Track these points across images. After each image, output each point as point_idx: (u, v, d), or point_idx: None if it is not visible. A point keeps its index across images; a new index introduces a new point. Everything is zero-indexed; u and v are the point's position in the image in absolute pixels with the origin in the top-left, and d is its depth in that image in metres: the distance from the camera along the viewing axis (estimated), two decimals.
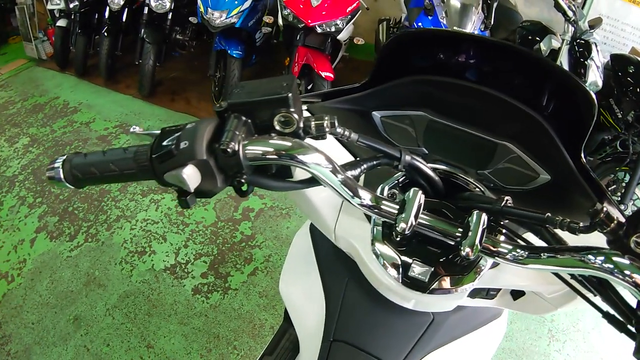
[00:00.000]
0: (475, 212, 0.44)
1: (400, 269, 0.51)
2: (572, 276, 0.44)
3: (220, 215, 2.24)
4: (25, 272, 1.97)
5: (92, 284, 1.91)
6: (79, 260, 2.02)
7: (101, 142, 2.77)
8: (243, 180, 0.43)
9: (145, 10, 2.91)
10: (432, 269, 0.50)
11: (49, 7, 3.23)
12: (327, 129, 0.44)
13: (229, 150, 0.39)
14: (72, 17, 3.21)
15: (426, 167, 0.51)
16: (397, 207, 0.45)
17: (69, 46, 3.41)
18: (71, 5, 3.02)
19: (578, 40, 2.15)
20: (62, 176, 0.47)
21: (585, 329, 1.83)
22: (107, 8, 3.00)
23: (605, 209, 0.35)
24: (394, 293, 0.54)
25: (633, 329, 0.36)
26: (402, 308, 0.65)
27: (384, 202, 0.46)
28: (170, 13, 2.95)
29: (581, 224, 0.38)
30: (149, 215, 2.24)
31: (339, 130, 0.45)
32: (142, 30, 2.90)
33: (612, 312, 0.40)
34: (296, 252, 0.85)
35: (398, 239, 0.52)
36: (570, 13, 2.05)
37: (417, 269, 0.50)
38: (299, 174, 0.50)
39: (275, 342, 1.00)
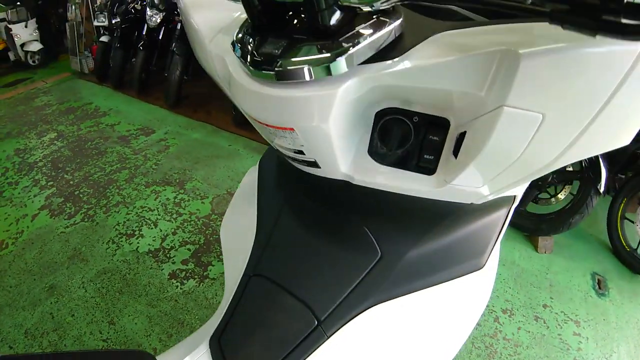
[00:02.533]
0: None
1: (253, 50, 0.40)
2: None
3: (215, 209, 2.21)
4: (19, 242, 2.01)
5: (76, 258, 1.91)
6: (70, 236, 2.04)
7: (121, 141, 2.90)
8: None
9: (179, 26, 3.16)
10: (287, 41, 0.38)
11: (95, 23, 3.60)
12: None
13: None
14: (115, 34, 3.53)
15: None
16: None
17: (109, 61, 3.71)
18: (113, 22, 3.35)
19: None
20: None
21: None
22: (145, 25, 3.28)
23: None
24: (249, 92, 0.42)
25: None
26: (342, 242, 0.53)
27: None
28: None
29: None
30: (147, 204, 2.26)
31: None
32: (174, 43, 3.13)
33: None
34: (241, 193, 0.76)
35: (259, 23, 0.42)
36: None
37: (270, 45, 0.39)
38: None
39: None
